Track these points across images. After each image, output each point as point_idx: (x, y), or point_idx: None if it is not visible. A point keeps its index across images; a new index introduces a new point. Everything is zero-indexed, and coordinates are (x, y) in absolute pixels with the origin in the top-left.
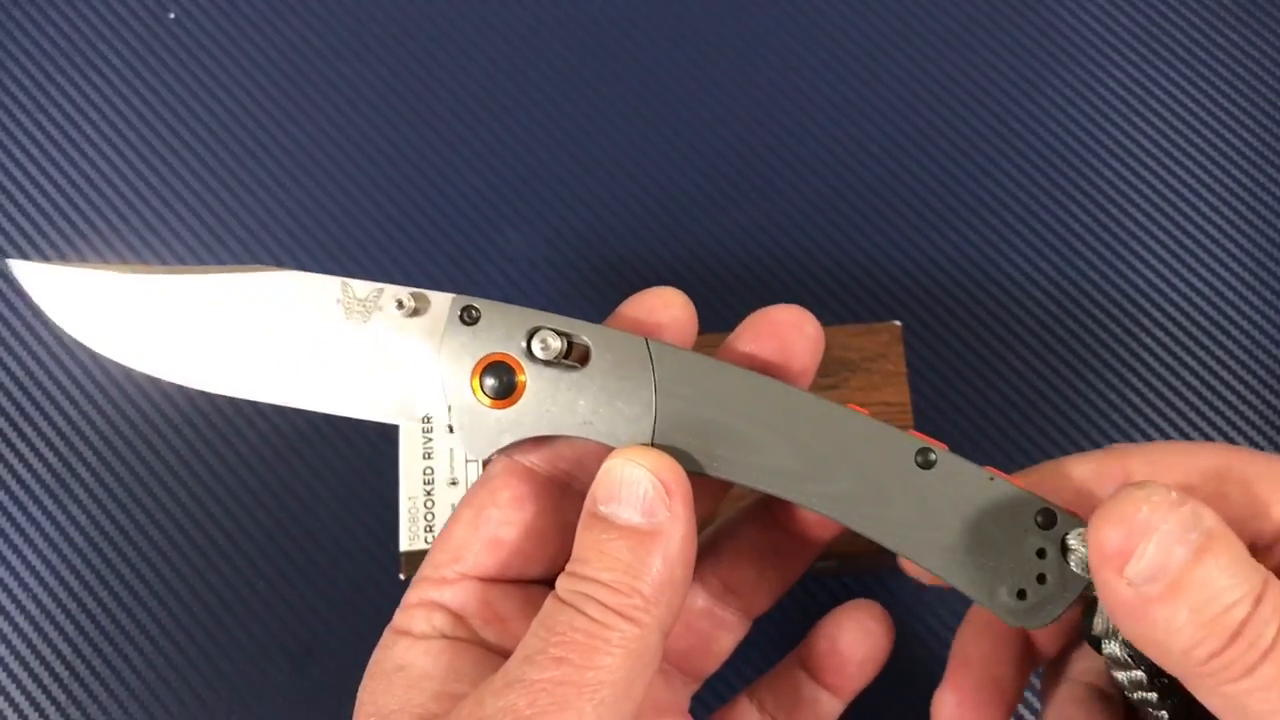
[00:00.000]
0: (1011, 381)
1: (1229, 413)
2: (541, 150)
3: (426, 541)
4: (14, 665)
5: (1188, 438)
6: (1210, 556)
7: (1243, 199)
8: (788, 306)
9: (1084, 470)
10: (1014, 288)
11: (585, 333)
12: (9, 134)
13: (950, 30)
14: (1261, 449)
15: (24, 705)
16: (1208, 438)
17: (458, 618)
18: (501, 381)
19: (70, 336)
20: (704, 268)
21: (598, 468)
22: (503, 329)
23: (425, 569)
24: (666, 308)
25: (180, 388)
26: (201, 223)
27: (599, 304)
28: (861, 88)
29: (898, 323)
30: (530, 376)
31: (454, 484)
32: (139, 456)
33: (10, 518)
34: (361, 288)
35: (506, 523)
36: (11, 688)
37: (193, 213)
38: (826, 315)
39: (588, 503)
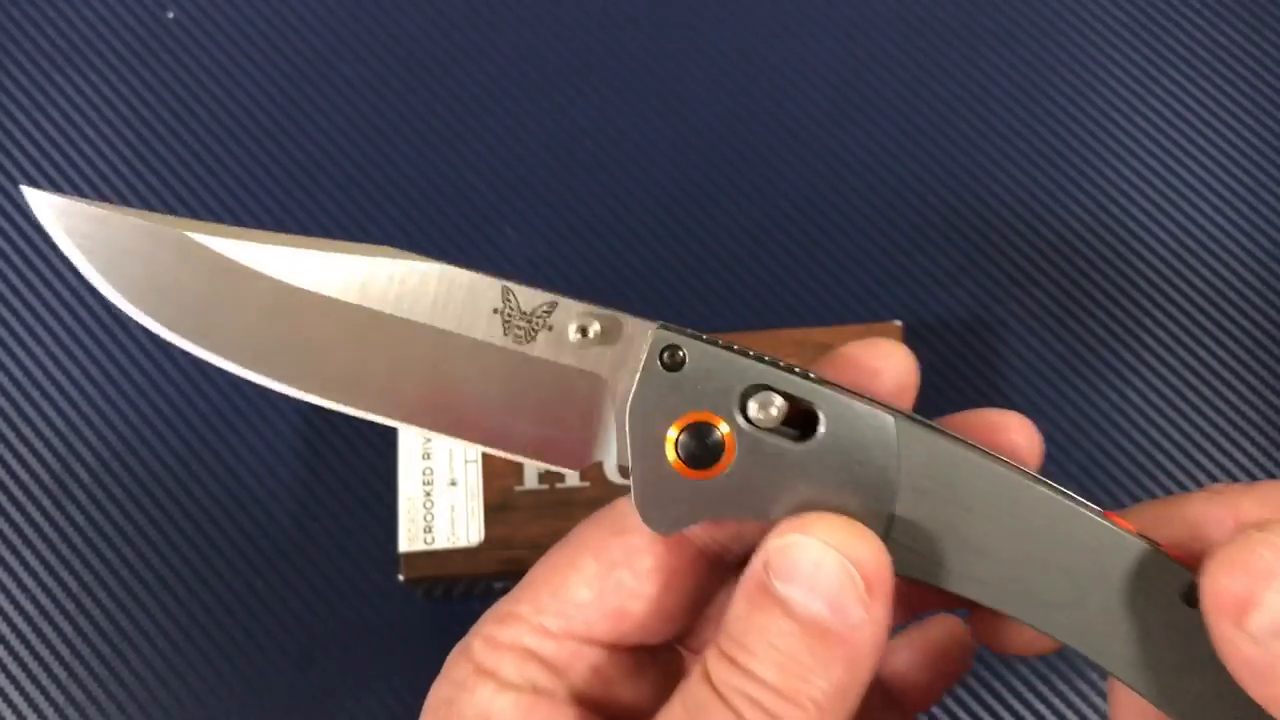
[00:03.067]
0: (1012, 381)
1: (1230, 412)
2: (541, 149)
3: (425, 542)
4: (13, 666)
5: (1187, 437)
6: None
7: (1243, 198)
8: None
9: (1196, 514)
10: (1014, 287)
11: (817, 399)
12: (7, 134)
13: (950, 30)
14: (1262, 449)
15: (23, 706)
16: (1209, 437)
17: (556, 673)
18: (704, 446)
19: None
20: (704, 267)
21: (763, 535)
22: (715, 382)
23: (523, 606)
24: (892, 373)
25: (180, 387)
26: (199, 220)
27: (598, 303)
28: (862, 87)
29: (898, 323)
30: (740, 444)
31: (453, 484)
32: (139, 457)
33: (10, 518)
34: (528, 298)
35: (638, 595)
36: (10, 688)
37: (191, 212)
38: (826, 315)
39: (757, 569)
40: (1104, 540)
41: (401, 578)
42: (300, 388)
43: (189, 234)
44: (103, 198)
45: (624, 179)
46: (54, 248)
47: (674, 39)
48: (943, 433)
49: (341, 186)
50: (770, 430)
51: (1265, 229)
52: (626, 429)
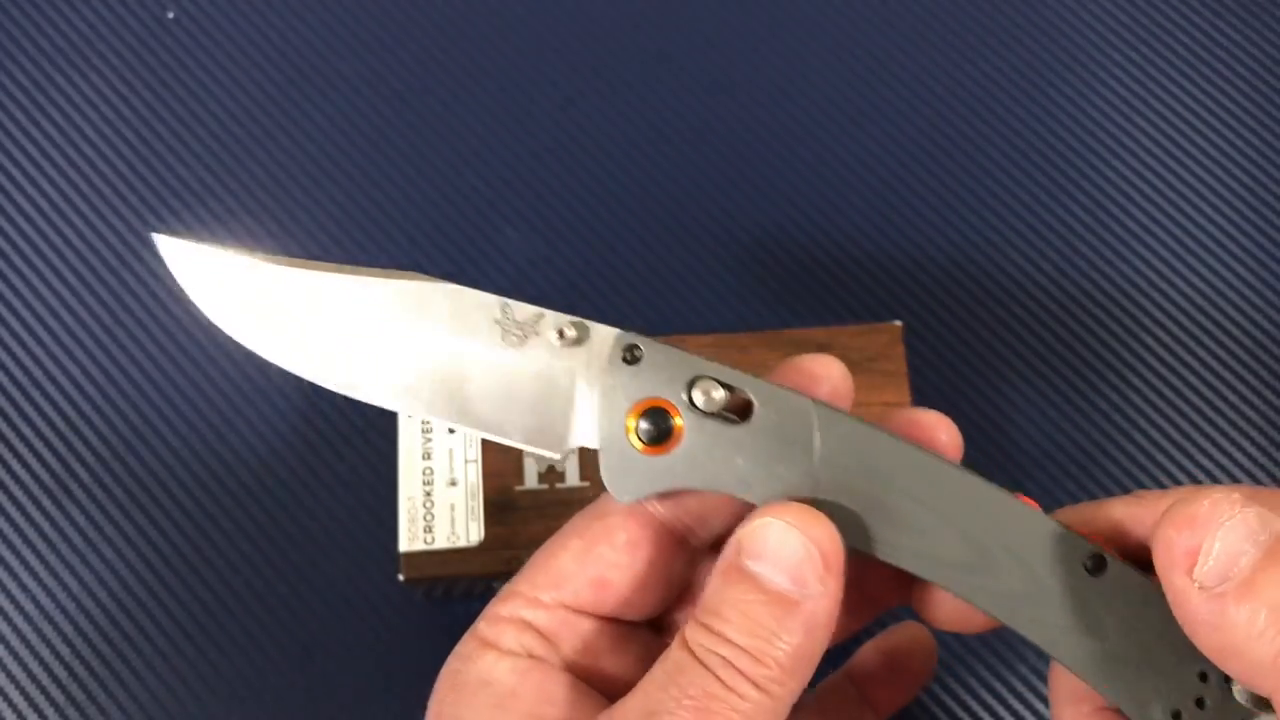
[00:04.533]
0: (1012, 381)
1: (1230, 412)
2: (542, 149)
3: (425, 542)
4: (13, 666)
5: (1187, 437)
6: None
7: (1243, 198)
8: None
9: (1118, 513)
10: (1014, 287)
11: (749, 387)
12: (7, 134)
13: (950, 30)
14: (1262, 449)
15: (23, 705)
16: (1208, 438)
17: (550, 642)
18: (658, 427)
19: (195, 321)
20: (704, 267)
21: (723, 524)
22: (665, 373)
23: (521, 584)
24: (827, 378)
25: (180, 387)
26: (200, 221)
27: (598, 303)
28: (862, 87)
29: (898, 323)
30: (688, 426)
31: (453, 484)
32: (139, 456)
33: (10, 518)
34: (522, 311)
35: (616, 565)
36: (10, 688)
37: (191, 212)
38: (826, 315)
39: (730, 552)
40: (1011, 514)
41: (401, 578)
42: (354, 390)
43: (279, 267)
44: (101, 197)
45: (624, 179)
46: (53, 248)
47: (673, 39)
48: (858, 419)
49: (342, 186)
50: (713, 414)
51: (1265, 229)
52: (595, 415)
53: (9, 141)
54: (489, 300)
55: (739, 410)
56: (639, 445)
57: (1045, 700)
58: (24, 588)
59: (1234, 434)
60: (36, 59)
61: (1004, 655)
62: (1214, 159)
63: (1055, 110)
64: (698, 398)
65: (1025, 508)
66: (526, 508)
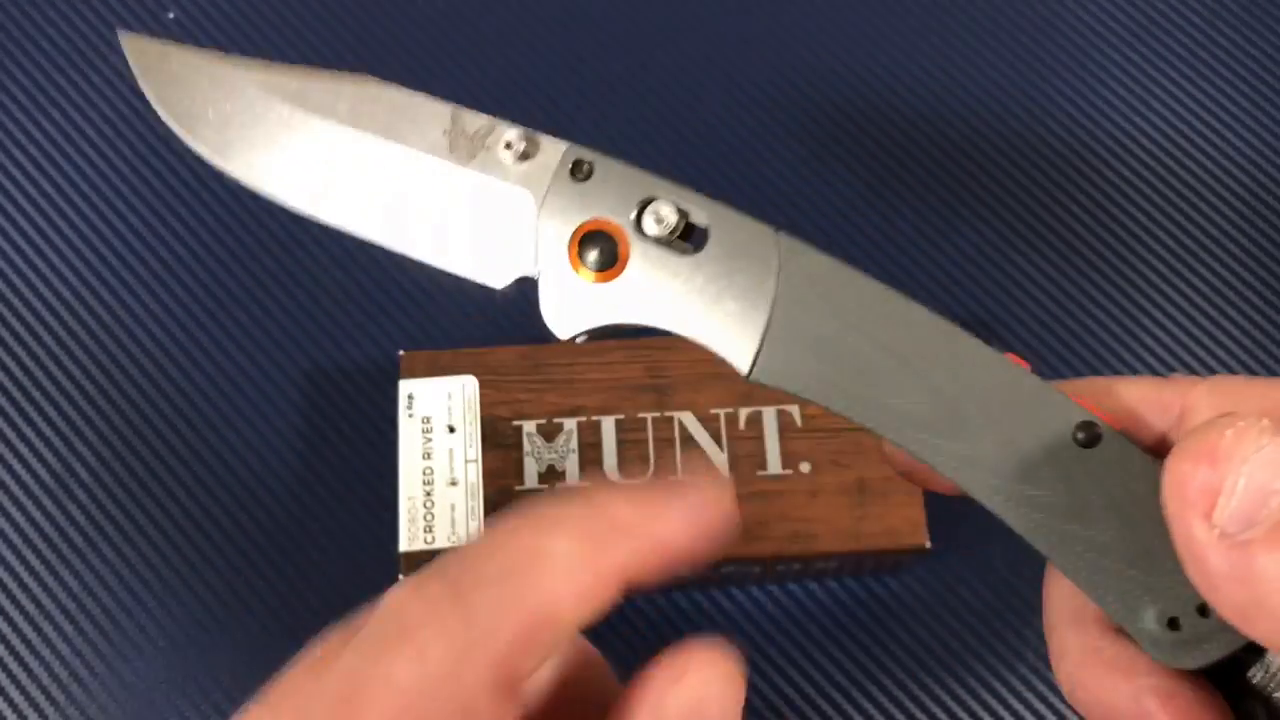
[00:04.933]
0: None
1: None
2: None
3: (426, 542)
4: (13, 665)
5: None
6: None
7: (1243, 198)
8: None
9: (1132, 392)
10: (1014, 287)
11: (706, 210)
12: (7, 134)
13: (950, 29)
14: None
15: (23, 705)
16: None
17: None
18: (603, 252)
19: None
20: None
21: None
22: (615, 193)
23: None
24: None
25: (180, 387)
26: (199, 221)
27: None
28: (861, 86)
29: None
30: (635, 252)
31: (453, 484)
32: (139, 456)
33: (10, 518)
34: (473, 121)
35: None
36: (11, 688)
37: (190, 212)
38: None
39: None
40: (990, 367)
41: (401, 578)
42: (284, 195)
43: (229, 68)
44: (101, 197)
45: None
46: (53, 248)
47: (675, 39)
48: (828, 255)
49: None
50: (663, 241)
51: (1265, 229)
52: (537, 233)
53: (9, 141)
54: (440, 109)
55: (695, 239)
56: (583, 272)
57: (1046, 700)
58: (24, 588)
59: None
60: (36, 59)
61: (1004, 655)
62: (1214, 159)
63: (1055, 110)
64: (648, 222)
65: (1011, 365)
66: None
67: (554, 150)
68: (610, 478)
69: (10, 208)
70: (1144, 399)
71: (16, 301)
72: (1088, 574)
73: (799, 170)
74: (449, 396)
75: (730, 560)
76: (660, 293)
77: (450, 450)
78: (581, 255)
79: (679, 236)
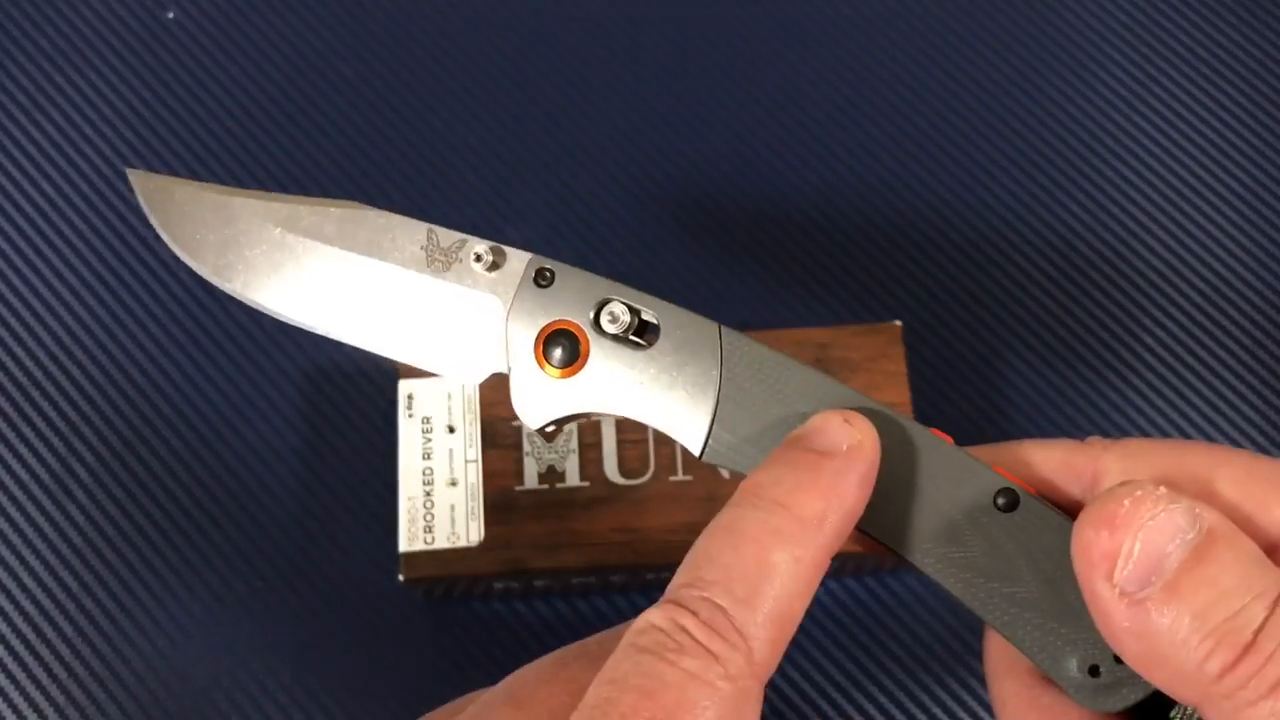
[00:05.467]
0: (1012, 381)
1: (1230, 412)
2: (541, 147)
3: (426, 542)
4: (13, 666)
5: (1188, 437)
6: (1212, 555)
7: (1242, 198)
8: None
9: (1049, 459)
10: (1014, 287)
11: (656, 309)
12: (7, 134)
13: (950, 30)
14: (1263, 449)
15: (23, 705)
16: (1209, 437)
17: None
18: (565, 350)
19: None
20: (704, 268)
21: None
22: (574, 296)
23: None
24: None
25: (180, 387)
26: None
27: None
28: (861, 86)
29: (898, 323)
30: (595, 349)
31: (453, 484)
32: (139, 456)
33: (10, 518)
34: (446, 237)
35: None
36: (11, 688)
37: None
38: (827, 315)
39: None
40: (918, 445)
41: (401, 578)
42: (279, 309)
43: (227, 197)
44: (101, 197)
45: (624, 178)
46: (53, 248)
47: (675, 39)
48: (766, 346)
49: (340, 185)
50: (619, 338)
51: (1265, 229)
52: (506, 335)
53: (9, 141)
54: (416, 227)
55: (648, 334)
56: (547, 369)
57: None
58: (24, 588)
59: (1234, 433)
60: (36, 59)
61: None
62: (1214, 159)
63: (1054, 110)
64: (605, 321)
65: (934, 438)
66: (526, 508)
67: (519, 260)
68: (610, 478)
69: (10, 208)
70: (1060, 466)
71: (16, 301)
72: (1014, 628)
73: (793, 166)
74: (449, 397)
75: None
76: (619, 384)
77: (450, 450)
78: (547, 354)
79: (633, 333)
